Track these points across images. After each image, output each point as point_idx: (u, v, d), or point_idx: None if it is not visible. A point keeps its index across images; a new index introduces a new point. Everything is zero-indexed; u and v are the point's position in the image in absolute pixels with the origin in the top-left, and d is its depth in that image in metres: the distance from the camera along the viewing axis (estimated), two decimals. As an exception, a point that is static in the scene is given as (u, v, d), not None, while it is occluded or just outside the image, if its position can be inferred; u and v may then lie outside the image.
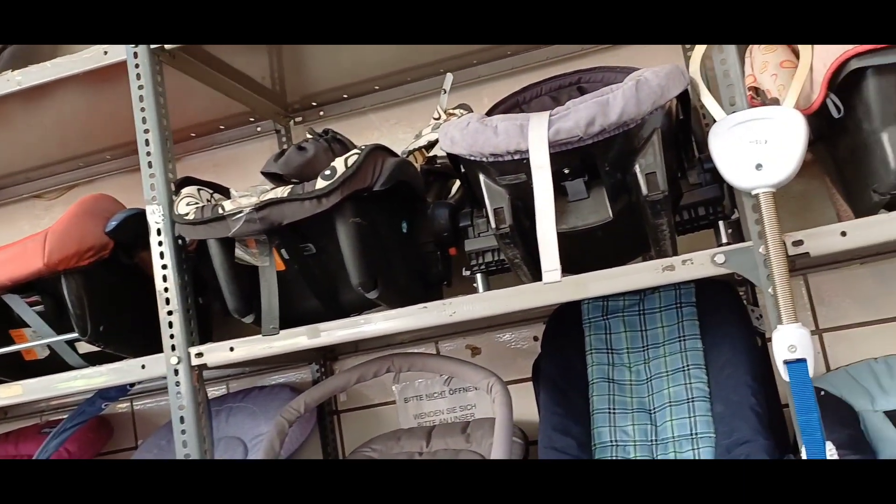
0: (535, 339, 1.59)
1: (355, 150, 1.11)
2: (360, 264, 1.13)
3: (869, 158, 1.01)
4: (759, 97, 1.19)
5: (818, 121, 1.09)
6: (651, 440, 1.31)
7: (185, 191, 1.22)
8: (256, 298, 1.20)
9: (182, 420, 1.22)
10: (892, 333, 1.42)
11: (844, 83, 1.00)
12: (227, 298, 1.20)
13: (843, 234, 1.00)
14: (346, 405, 1.69)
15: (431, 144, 1.39)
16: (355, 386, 1.64)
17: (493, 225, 1.08)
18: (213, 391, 1.77)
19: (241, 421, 1.56)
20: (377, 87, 1.68)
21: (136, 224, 1.30)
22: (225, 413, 1.60)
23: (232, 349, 1.20)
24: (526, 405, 1.47)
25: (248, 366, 1.64)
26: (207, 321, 1.44)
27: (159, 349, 1.24)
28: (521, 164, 1.02)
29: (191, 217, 1.16)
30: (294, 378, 1.73)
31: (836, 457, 0.95)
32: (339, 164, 1.08)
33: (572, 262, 1.09)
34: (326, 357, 1.67)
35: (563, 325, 1.46)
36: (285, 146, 1.70)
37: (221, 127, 1.76)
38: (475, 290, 1.24)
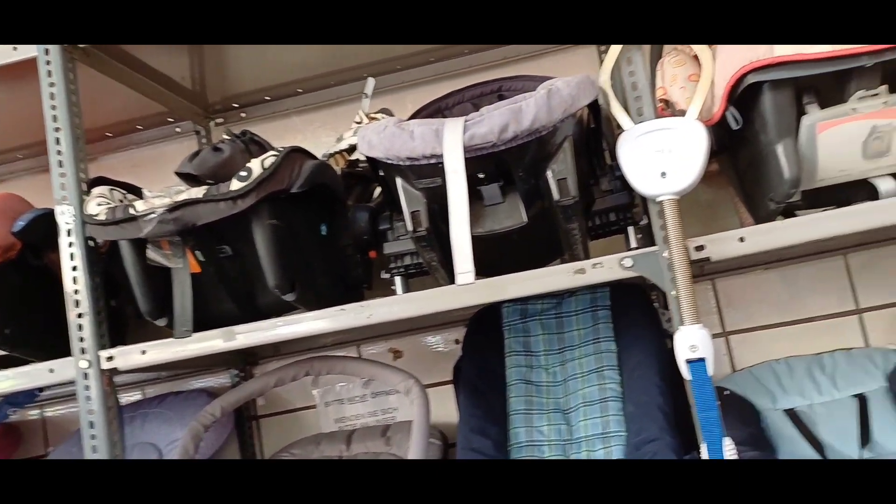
0: (457, 342, 1.61)
1: (272, 152, 1.11)
2: (277, 266, 1.12)
3: (765, 169, 1.07)
4: (669, 109, 1.24)
5: (720, 132, 1.14)
6: (565, 440, 1.34)
7: (95, 191, 1.19)
8: (170, 301, 1.19)
9: (92, 425, 1.19)
10: (795, 335, 1.49)
11: (743, 97, 1.05)
12: (138, 300, 1.18)
13: (742, 239, 1.05)
14: (265, 410, 1.68)
15: (353, 148, 1.39)
16: (275, 390, 1.63)
17: (410, 228, 1.09)
18: (129, 397, 1.72)
19: (156, 427, 1.53)
20: (300, 90, 1.67)
21: (45, 225, 1.27)
22: (140, 419, 1.56)
23: (144, 352, 1.18)
24: (448, 408, 1.48)
25: (164, 370, 1.61)
26: (121, 325, 1.40)
27: (69, 353, 1.21)
28: (437, 168, 1.03)
29: (102, 217, 1.14)
30: (212, 383, 1.70)
31: (734, 452, 0.99)
32: (255, 165, 1.08)
33: (490, 266, 1.12)
34: (246, 361, 1.65)
35: (484, 328, 1.48)
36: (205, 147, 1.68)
37: (139, 127, 1.72)
38: (394, 293, 1.25)
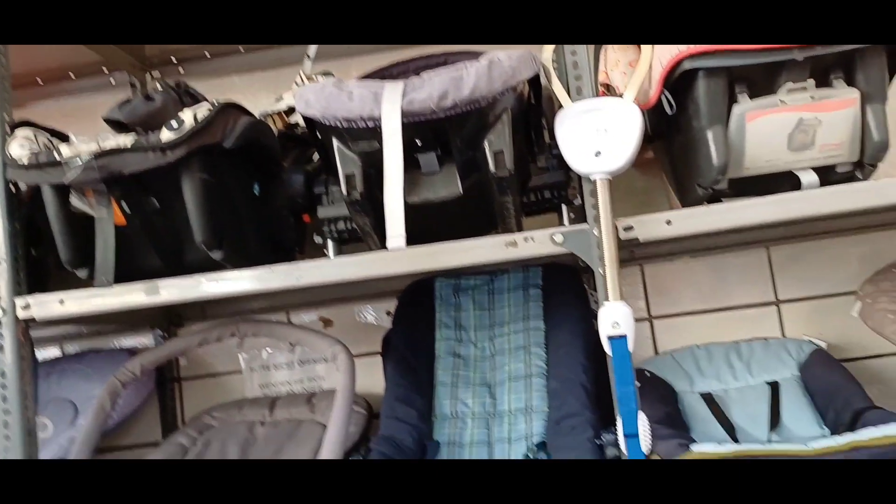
0: (388, 313, 1.60)
1: (206, 105, 1.08)
2: (205, 222, 1.10)
3: (696, 155, 1.09)
4: (609, 92, 1.26)
5: (656, 117, 1.16)
6: (489, 413, 1.36)
7: (19, 132, 1.14)
8: (93, 251, 1.15)
9: (3, 375, 1.15)
10: (716, 323, 1.53)
11: (678, 82, 1.08)
12: (60, 249, 1.14)
13: (669, 222, 1.07)
14: (188, 372, 1.64)
15: (292, 110, 1.37)
16: (199, 353, 1.61)
17: (344, 191, 1.08)
18: (47, 353, 1.67)
19: (73, 383, 1.49)
20: (242, 50, 1.64)
21: (-37, 166, 1.21)
22: (57, 374, 1.51)
23: (62, 302, 1.14)
24: (375, 378, 1.48)
25: (85, 324, 1.56)
26: (42, 276, 1.35)
27: (-17, 301, 1.17)
28: (374, 132, 1.03)
29: (24, 161, 1.09)
30: (135, 343, 1.66)
31: (647, 427, 1.02)
32: (187, 116, 1.05)
33: (423, 237, 1.11)
34: (172, 322, 1.61)
35: (416, 300, 1.48)
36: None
37: (72, 75, 1.66)
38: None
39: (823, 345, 1.40)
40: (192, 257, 1.20)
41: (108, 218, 1.12)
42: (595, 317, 1.41)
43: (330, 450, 1.18)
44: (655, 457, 1.03)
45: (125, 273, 1.16)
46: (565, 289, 1.44)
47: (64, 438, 1.36)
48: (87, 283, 1.18)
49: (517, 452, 1.27)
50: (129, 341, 1.66)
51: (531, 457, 1.22)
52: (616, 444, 1.11)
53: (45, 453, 1.32)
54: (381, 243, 1.16)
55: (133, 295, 1.12)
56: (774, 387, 1.34)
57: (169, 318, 1.61)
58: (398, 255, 1.10)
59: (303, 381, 1.63)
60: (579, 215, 1.20)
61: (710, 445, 0.99)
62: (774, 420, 1.27)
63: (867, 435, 0.93)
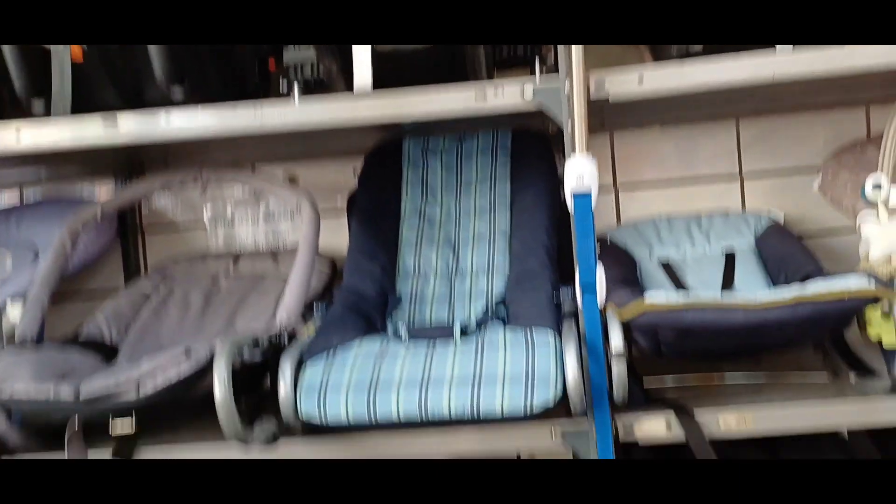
0: (354, 171, 1.59)
1: (167, -72, 1.02)
2: (166, 56, 1.06)
3: (674, 10, 1.07)
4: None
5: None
6: (451, 270, 1.37)
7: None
8: (50, 86, 1.11)
9: (-44, 210, 1.13)
10: (680, 195, 1.55)
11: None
12: (14, 78, 1.10)
13: (641, 80, 1.06)
14: (151, 223, 1.62)
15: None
16: (163, 207, 1.59)
17: (312, 31, 1.05)
18: (6, 198, 1.64)
19: (32, 226, 1.46)
20: None
21: None
22: (16, 218, 1.49)
23: (18, 130, 1.10)
24: (339, 237, 1.48)
25: (44, 164, 1.51)
26: (-3, 111, 1.32)
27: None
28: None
29: (-28, -21, 1.03)
30: (97, 194, 1.63)
31: (604, 280, 1.04)
32: (146, -63, 1.00)
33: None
34: (133, 171, 1.58)
35: (383, 159, 1.47)
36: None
37: None
38: (293, 107, 1.21)
39: (781, 218, 1.43)
40: (152, 96, 1.17)
41: (64, 49, 1.08)
42: (561, 183, 1.43)
43: (292, 297, 1.19)
44: (610, 306, 1.06)
45: (82, 109, 1.13)
46: (534, 153, 1.43)
47: (23, 278, 1.35)
48: (45, 120, 1.15)
49: (477, 308, 1.29)
50: (90, 191, 1.63)
51: (490, 313, 1.25)
52: (573, 299, 1.14)
53: (5, 291, 1.32)
54: (349, 89, 1.13)
55: (91, 128, 1.09)
56: (730, 255, 1.38)
57: (131, 167, 1.57)
58: (365, 101, 1.08)
59: (267, 236, 1.63)
60: (552, 73, 1.18)
61: (661, 294, 1.02)
62: (727, 284, 1.31)
63: (811, 290, 0.96)
